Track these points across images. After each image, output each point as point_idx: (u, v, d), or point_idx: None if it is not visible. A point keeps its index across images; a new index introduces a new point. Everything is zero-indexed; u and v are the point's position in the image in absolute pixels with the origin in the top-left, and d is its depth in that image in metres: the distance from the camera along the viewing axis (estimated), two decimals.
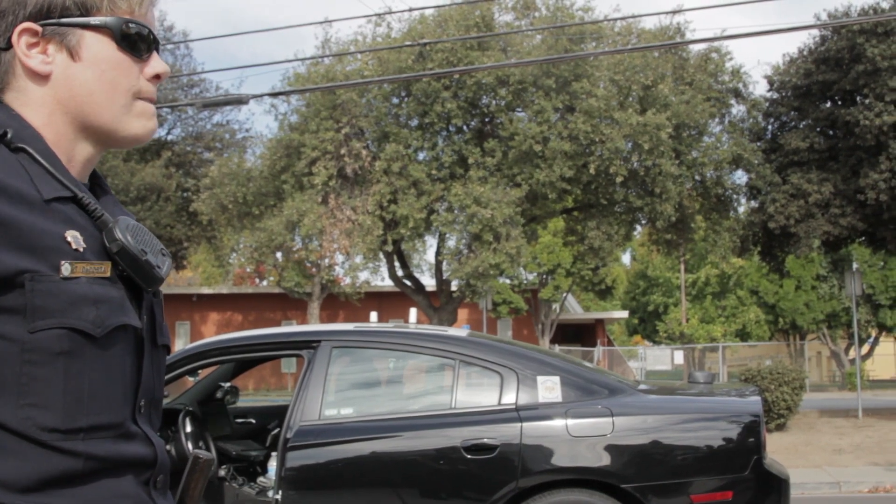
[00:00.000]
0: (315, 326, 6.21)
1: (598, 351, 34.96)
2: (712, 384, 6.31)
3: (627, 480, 5.05)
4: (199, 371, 6.11)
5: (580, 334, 39.35)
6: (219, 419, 6.46)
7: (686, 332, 46.40)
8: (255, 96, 14.71)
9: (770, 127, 21.81)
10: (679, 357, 39.59)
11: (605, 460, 5.09)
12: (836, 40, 19.85)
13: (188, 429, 5.27)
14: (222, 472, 5.51)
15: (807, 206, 19.32)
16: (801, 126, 20.66)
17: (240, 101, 15.69)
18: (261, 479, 5.75)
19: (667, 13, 20.00)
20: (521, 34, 20.00)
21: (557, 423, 5.15)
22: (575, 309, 42.45)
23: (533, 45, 19.97)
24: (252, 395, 28.73)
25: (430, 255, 24.12)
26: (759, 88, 40.77)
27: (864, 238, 21.44)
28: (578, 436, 5.12)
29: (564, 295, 35.10)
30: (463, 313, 29.62)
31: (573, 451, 5.11)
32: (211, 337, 6.31)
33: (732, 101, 21.57)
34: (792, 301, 45.44)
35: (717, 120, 21.26)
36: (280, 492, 4.98)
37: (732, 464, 5.26)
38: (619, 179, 19.10)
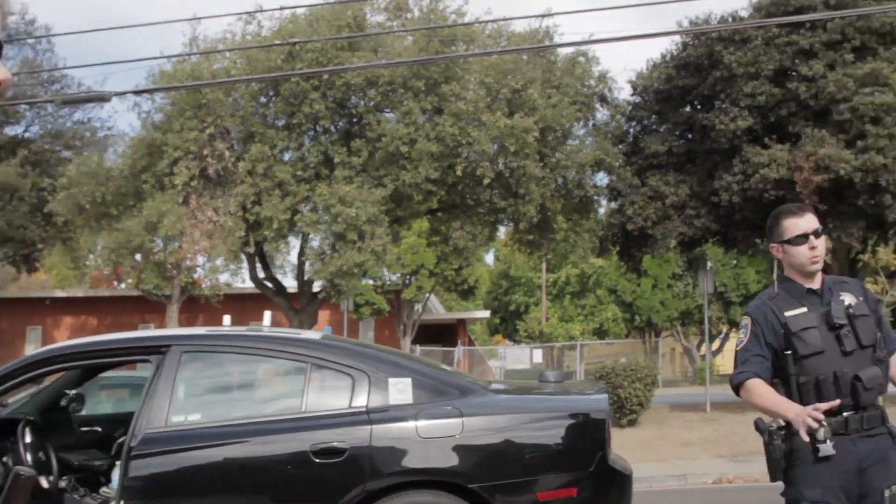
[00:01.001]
0: (165, 331, 6.10)
1: (459, 351, 35.17)
2: (563, 383, 6.46)
3: (475, 480, 5.09)
4: (44, 378, 5.91)
5: (442, 334, 39.53)
6: (62, 428, 6.25)
7: (546, 330, 47.29)
8: (117, 94, 14.30)
9: (632, 130, 22.38)
10: (538, 356, 40.25)
11: (453, 461, 5.12)
12: (696, 47, 20.53)
13: (27, 439, 5.09)
14: (63, 483, 5.34)
15: (664, 208, 19.91)
16: (662, 130, 21.27)
17: (102, 98, 15.26)
18: (104, 489, 5.59)
19: (536, 17, 20.27)
20: (392, 35, 19.99)
21: (407, 424, 5.16)
22: (437, 309, 42.67)
23: (404, 47, 19.97)
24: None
25: (293, 257, 23.87)
26: (624, 93, 41.99)
27: (717, 238, 22.21)
28: (428, 437, 5.14)
29: (427, 295, 35.22)
30: (324, 315, 29.37)
31: (422, 452, 5.14)
32: (56, 343, 6.11)
33: (597, 106, 21.95)
34: (648, 299, 46.93)
35: (581, 123, 21.63)
36: (122, 502, 4.86)
37: (578, 461, 5.36)
38: (486, 181, 19.29)
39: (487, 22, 20.52)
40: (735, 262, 45.17)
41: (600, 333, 47.85)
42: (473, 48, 19.92)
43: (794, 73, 18.67)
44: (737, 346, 3.99)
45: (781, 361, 3.83)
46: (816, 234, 3.93)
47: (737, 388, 3.89)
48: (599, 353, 44.27)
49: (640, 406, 17.97)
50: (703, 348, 35.19)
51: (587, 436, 5.48)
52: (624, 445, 16.05)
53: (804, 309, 3.87)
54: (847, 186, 17.60)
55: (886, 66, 17.47)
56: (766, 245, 20.30)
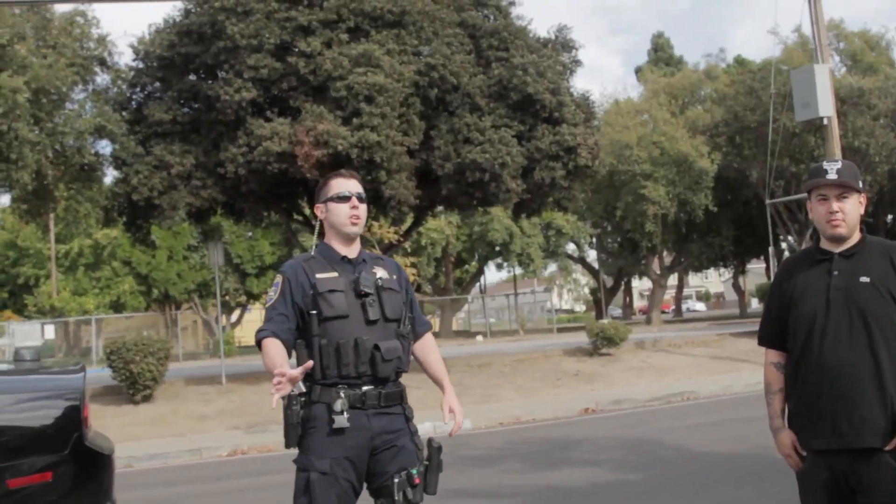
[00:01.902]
0: None
1: None
2: (39, 361, 6.14)
3: None
4: None
5: None
6: None
7: (57, 305, 44.85)
8: None
9: (135, 97, 21.71)
10: (50, 331, 38.17)
11: None
12: (199, 14, 20.35)
13: None
14: None
15: (170, 178, 19.57)
16: (166, 97, 20.86)
17: None
18: None
19: None
20: None
21: None
22: None
23: None
24: None
25: None
26: (126, 58, 39.87)
27: (225, 209, 22.36)
28: None
29: None
30: None
31: None
32: None
33: (97, 69, 21.00)
34: (165, 271, 46.35)
35: (80, 87, 20.58)
36: None
37: (52, 443, 5.13)
38: None
39: None
40: (250, 234, 45.99)
41: (117, 307, 46.30)
42: None
43: (294, 49, 19.25)
44: (266, 303, 3.98)
45: (308, 322, 3.86)
46: (360, 197, 4.04)
47: (259, 345, 3.88)
48: (118, 327, 42.79)
49: (154, 381, 17.63)
50: (225, 320, 35.46)
51: (62, 416, 5.27)
52: (138, 422, 15.73)
53: (335, 273, 3.94)
54: (346, 162, 18.48)
55: (378, 48, 18.63)
56: (277, 217, 20.86)
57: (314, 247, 4.27)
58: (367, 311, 3.90)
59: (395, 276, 4.10)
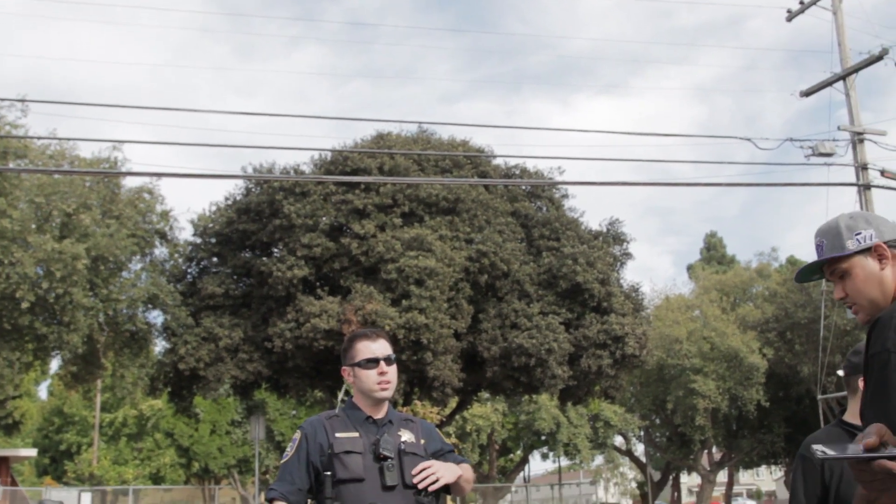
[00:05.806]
0: None
1: None
2: None
3: None
4: None
5: None
6: None
7: (97, 473, 44.60)
8: None
9: (190, 271, 22.16)
10: (87, 499, 37.83)
11: None
12: (258, 194, 20.97)
13: None
14: None
15: (217, 350, 19.74)
16: (220, 272, 21.28)
17: None
18: None
19: (106, 140, 19.47)
20: None
21: None
22: None
23: None
24: None
25: None
26: (185, 233, 40.58)
27: (270, 384, 22.35)
28: None
29: None
30: None
31: None
32: None
33: (157, 242, 21.54)
34: (206, 445, 46.07)
35: (139, 257, 21.05)
36: None
37: None
38: (25, 305, 17.95)
39: (50, 139, 19.37)
40: (294, 412, 45.84)
41: (157, 479, 45.83)
42: (26, 164, 18.83)
43: (348, 230, 19.68)
44: (283, 457, 3.82)
45: (322, 484, 3.68)
46: (388, 360, 3.84)
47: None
48: (155, 499, 42.25)
49: None
50: (261, 497, 34.83)
51: None
52: None
53: (356, 434, 3.76)
54: (392, 342, 18.53)
55: (430, 233, 18.97)
56: (321, 395, 20.69)
57: (340, 404, 4.08)
58: (385, 475, 3.67)
59: (422, 441, 3.88)
